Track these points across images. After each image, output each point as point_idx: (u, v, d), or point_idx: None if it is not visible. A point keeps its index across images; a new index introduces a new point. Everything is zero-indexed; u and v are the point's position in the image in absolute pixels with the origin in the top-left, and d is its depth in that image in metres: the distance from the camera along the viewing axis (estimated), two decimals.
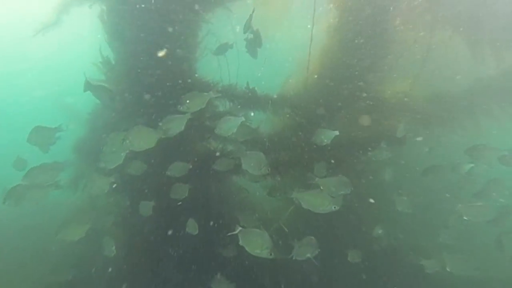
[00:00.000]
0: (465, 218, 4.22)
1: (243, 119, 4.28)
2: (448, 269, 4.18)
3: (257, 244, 3.27)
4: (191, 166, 4.73)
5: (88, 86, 5.35)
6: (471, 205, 4.35)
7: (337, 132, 4.56)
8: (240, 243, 3.35)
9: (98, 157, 4.47)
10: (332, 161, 5.58)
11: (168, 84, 5.58)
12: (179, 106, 4.06)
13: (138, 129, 3.83)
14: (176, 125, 4.02)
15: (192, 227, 4.59)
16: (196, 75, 5.72)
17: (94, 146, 5.72)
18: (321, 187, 3.67)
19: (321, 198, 3.53)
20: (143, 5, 5.50)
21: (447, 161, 5.69)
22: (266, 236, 3.29)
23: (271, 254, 3.22)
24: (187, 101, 4.06)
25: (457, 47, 6.29)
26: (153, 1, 5.49)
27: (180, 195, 4.71)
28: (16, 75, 23.00)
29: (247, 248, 3.35)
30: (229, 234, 3.47)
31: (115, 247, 4.64)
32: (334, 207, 3.46)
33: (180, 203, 4.92)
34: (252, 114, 5.87)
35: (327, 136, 4.61)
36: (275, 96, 5.95)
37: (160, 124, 3.95)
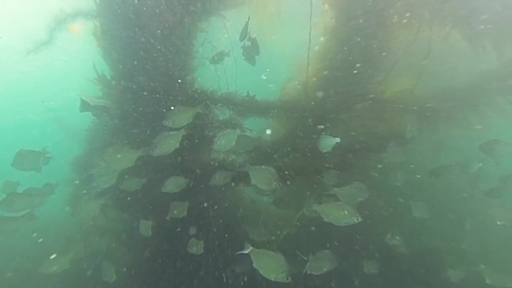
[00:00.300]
0: (498, 223, 3.99)
1: (239, 132, 4.22)
2: (488, 282, 3.95)
3: (272, 268, 3.08)
4: (189, 181, 4.53)
5: (86, 106, 5.25)
6: (505, 209, 4.14)
7: (338, 139, 4.44)
8: (254, 265, 3.15)
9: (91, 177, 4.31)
10: (338, 167, 5.42)
11: (166, 96, 5.45)
12: (164, 121, 3.98)
13: (114, 149, 3.67)
14: (170, 142, 3.92)
15: (195, 247, 4.36)
16: (195, 85, 5.58)
17: (91, 163, 5.56)
18: (340, 197, 3.49)
19: (343, 210, 3.34)
20: (137, 18, 5.41)
21: (457, 158, 5.49)
22: (282, 259, 3.10)
23: (287, 279, 3.02)
24: (173, 116, 4.00)
25: (457, 41, 6.18)
26: (147, 14, 5.40)
27: (178, 213, 4.53)
28: (13, 92, 22.95)
29: (261, 272, 3.16)
30: (239, 252, 3.27)
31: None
32: (357, 219, 3.27)
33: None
34: (269, 132, 5.73)
35: (328, 143, 4.49)
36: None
37: (154, 141, 3.85)
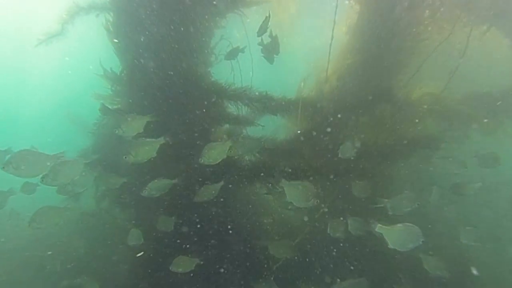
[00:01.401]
0: None
1: (231, 144, 3.95)
2: None
3: None
4: (176, 181, 4.17)
5: (106, 110, 5.35)
6: None
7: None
8: None
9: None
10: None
11: (180, 94, 5.18)
12: (115, 129, 3.87)
13: (24, 153, 3.29)
14: (146, 150, 3.73)
15: (186, 265, 3.98)
16: (212, 79, 5.30)
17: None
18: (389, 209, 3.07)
19: (409, 233, 2.92)
20: (151, 13, 5.20)
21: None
22: None
23: None
24: (122, 127, 3.86)
25: (496, 43, 5.68)
26: (161, 9, 5.19)
27: (166, 227, 4.29)
28: (21, 85, 23.40)
29: None
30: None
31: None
32: (422, 241, 2.90)
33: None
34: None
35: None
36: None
37: (129, 147, 3.66)
